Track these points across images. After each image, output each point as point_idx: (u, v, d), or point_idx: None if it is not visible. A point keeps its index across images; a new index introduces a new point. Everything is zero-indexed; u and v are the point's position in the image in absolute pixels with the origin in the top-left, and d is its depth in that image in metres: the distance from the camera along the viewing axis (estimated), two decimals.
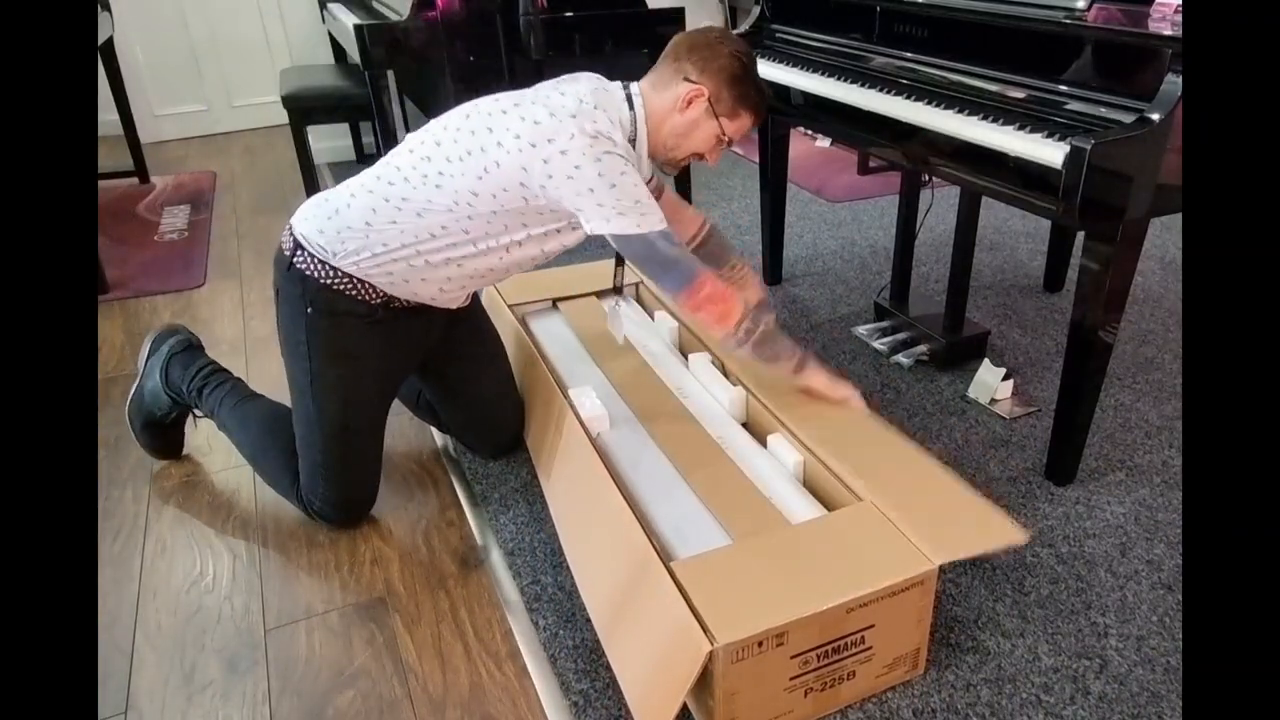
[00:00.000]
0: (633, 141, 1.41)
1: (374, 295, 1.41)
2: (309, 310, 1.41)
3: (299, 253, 1.41)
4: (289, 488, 1.57)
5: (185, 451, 1.80)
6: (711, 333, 1.44)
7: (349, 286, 1.40)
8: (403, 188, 1.37)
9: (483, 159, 1.33)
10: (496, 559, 1.50)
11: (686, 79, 1.41)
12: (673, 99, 1.41)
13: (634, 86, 1.44)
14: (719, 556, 1.20)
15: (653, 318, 1.94)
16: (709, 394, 1.67)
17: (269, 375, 2.07)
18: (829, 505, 1.39)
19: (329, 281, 1.40)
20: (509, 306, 1.95)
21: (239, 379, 1.70)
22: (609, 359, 1.80)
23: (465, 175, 1.34)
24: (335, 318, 1.42)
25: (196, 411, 1.71)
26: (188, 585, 1.47)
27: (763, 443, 1.53)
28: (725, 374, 1.70)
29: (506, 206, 1.35)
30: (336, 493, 1.52)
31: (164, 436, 1.75)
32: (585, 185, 1.29)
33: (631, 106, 1.41)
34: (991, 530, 1.22)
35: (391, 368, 1.52)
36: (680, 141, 1.45)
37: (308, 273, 1.40)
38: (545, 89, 1.40)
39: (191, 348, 1.73)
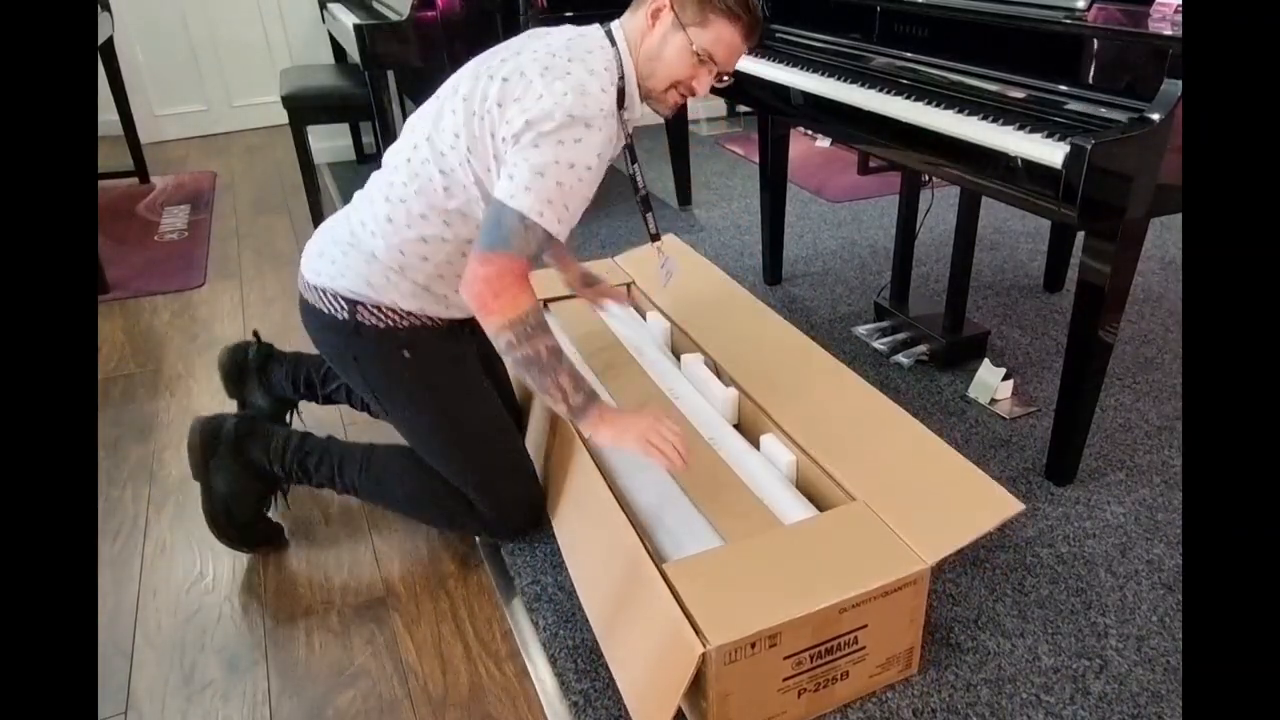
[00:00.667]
0: (621, 82, 1.31)
1: (445, 319, 1.42)
2: (406, 355, 1.39)
3: (360, 310, 1.37)
4: (465, 520, 1.48)
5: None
6: (480, 320, 1.27)
7: (424, 320, 1.40)
8: (416, 206, 1.32)
9: (466, 136, 1.28)
10: (497, 559, 1.50)
11: None
12: (643, 19, 1.30)
13: (614, 25, 1.34)
14: (711, 558, 1.20)
15: (645, 318, 1.94)
16: (701, 395, 1.67)
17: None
18: (822, 505, 1.39)
19: (408, 322, 1.38)
20: None
21: (326, 435, 1.56)
22: (602, 360, 1.79)
23: (460, 166, 1.29)
24: (430, 346, 1.41)
25: (286, 486, 1.56)
26: (188, 585, 1.47)
27: (755, 443, 1.53)
28: (718, 374, 1.70)
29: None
30: (514, 493, 1.47)
31: (264, 525, 1.55)
32: (519, 136, 1.22)
33: (613, 43, 1.31)
34: (989, 506, 1.23)
35: (476, 364, 1.50)
36: (654, 67, 1.31)
37: (384, 326, 1.38)
38: (517, 46, 1.32)
39: (250, 420, 1.53)
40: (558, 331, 1.93)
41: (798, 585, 1.13)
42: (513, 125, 1.22)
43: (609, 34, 1.32)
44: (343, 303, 1.37)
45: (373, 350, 1.40)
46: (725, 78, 1.36)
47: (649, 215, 1.63)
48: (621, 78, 1.31)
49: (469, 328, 1.48)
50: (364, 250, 1.36)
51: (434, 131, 1.32)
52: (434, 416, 1.43)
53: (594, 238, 2.89)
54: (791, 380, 1.59)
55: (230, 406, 1.76)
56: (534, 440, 1.66)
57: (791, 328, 1.74)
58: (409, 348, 1.40)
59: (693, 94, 1.35)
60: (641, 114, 1.40)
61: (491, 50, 1.36)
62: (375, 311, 1.37)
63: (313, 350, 1.55)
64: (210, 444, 1.48)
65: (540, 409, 1.66)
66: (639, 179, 1.56)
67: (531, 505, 1.49)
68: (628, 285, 2.08)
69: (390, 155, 1.39)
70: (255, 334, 1.73)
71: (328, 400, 1.73)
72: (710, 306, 1.88)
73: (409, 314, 1.39)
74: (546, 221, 1.22)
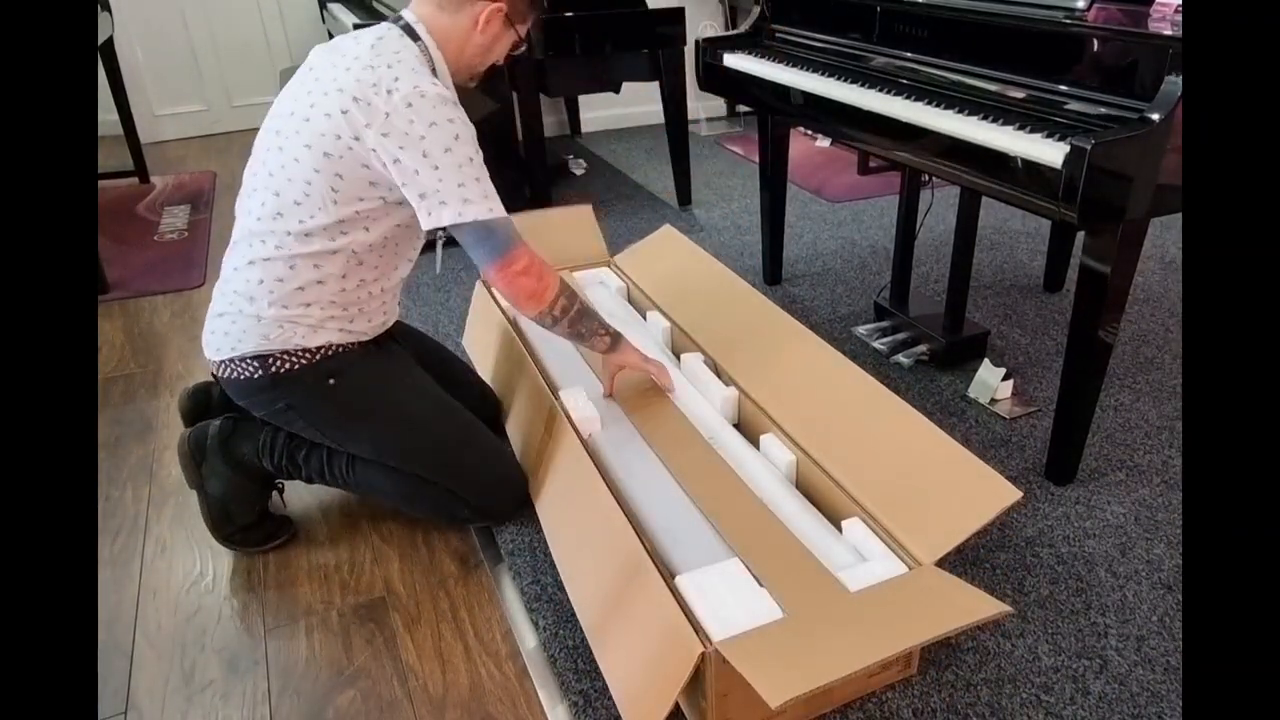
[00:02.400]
0: (434, 74, 1.34)
1: (356, 343, 1.44)
2: (332, 382, 1.40)
3: (270, 362, 1.38)
4: (454, 507, 1.50)
5: None
6: (523, 310, 1.40)
7: (335, 350, 1.41)
8: (285, 255, 1.34)
9: (320, 183, 1.30)
10: (496, 559, 1.50)
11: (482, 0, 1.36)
12: (470, 20, 1.35)
13: (407, 15, 1.37)
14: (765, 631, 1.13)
15: (645, 317, 1.94)
16: (701, 394, 1.67)
17: None
18: (821, 505, 1.40)
19: (320, 356, 1.40)
20: (500, 308, 1.95)
21: None
22: (599, 359, 1.79)
23: (322, 209, 1.31)
24: (352, 367, 1.42)
25: (281, 482, 1.58)
26: (188, 585, 1.47)
27: (755, 443, 1.53)
28: (718, 374, 1.70)
29: (361, 193, 1.32)
30: (489, 476, 1.50)
31: (267, 522, 1.55)
32: (416, 165, 1.26)
33: (415, 38, 1.34)
34: (987, 497, 1.23)
35: (406, 365, 1.53)
36: (484, 58, 1.42)
37: (298, 367, 1.39)
38: (319, 70, 1.34)
39: (233, 420, 1.53)
40: None
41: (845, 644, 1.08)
42: (388, 150, 1.26)
43: (406, 29, 1.35)
44: (252, 363, 1.38)
45: (300, 391, 1.41)
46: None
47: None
48: (433, 69, 1.35)
49: (383, 339, 1.51)
50: (247, 315, 1.37)
51: (280, 189, 1.33)
52: (383, 430, 1.44)
53: None
54: (791, 379, 1.59)
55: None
56: (526, 439, 1.66)
57: (788, 317, 1.74)
58: (332, 375, 1.41)
59: (498, 67, 1.49)
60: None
61: (283, 96, 1.38)
62: (284, 358, 1.38)
63: None
64: (199, 450, 1.49)
65: (531, 409, 1.65)
66: None
67: (510, 483, 1.53)
68: (627, 287, 2.08)
69: (240, 224, 1.40)
70: (214, 374, 1.70)
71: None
72: (709, 301, 1.88)
73: (318, 349, 1.40)
74: (498, 210, 1.31)
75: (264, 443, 1.49)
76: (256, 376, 1.39)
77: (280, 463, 1.49)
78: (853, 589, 1.19)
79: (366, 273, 1.40)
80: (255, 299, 1.36)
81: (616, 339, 1.54)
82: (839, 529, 1.33)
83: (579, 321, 1.45)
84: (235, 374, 1.40)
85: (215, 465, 1.48)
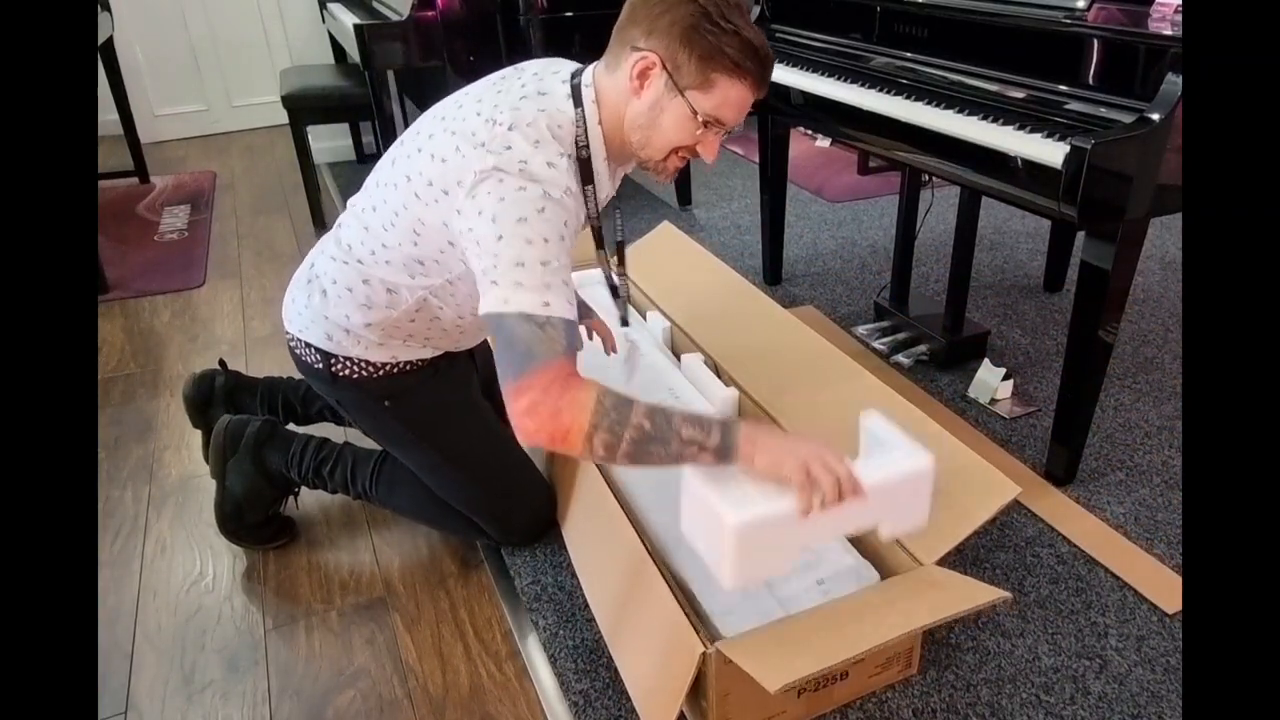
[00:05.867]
0: (584, 151, 1.12)
1: (422, 360, 1.38)
2: (387, 404, 1.37)
3: (335, 363, 1.34)
4: (475, 532, 1.48)
5: (189, 456, 1.80)
6: (568, 452, 1.05)
7: (399, 367, 1.36)
8: (363, 271, 1.26)
9: (407, 218, 1.17)
10: (496, 559, 1.50)
11: (634, 47, 1.08)
12: (625, 79, 1.10)
13: (586, 74, 1.14)
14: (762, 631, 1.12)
15: (645, 317, 1.94)
16: (701, 394, 1.67)
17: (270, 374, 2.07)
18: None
19: (383, 374, 1.35)
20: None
21: (342, 442, 1.54)
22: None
23: (402, 244, 1.20)
24: (410, 394, 1.38)
25: (297, 489, 1.57)
26: (188, 585, 1.47)
27: None
28: (718, 374, 1.70)
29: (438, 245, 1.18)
30: (521, 514, 1.46)
31: (274, 523, 1.55)
32: (481, 236, 1.05)
33: (578, 103, 1.11)
34: (986, 494, 1.22)
35: (466, 391, 1.47)
36: (649, 136, 1.12)
37: (357, 376, 1.35)
38: (477, 94, 1.15)
39: (273, 425, 1.52)
40: None
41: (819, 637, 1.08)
42: (465, 218, 1.08)
43: (575, 90, 1.12)
44: (317, 353, 1.35)
45: (354, 399, 1.39)
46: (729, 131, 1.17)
47: (619, 301, 1.52)
48: (585, 147, 1.12)
49: (455, 355, 1.44)
50: (317, 306, 1.32)
51: (378, 205, 1.23)
52: (427, 460, 1.42)
53: None
54: (791, 378, 1.59)
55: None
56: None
57: (788, 314, 1.74)
58: (389, 398, 1.37)
59: (697, 156, 1.16)
60: (613, 190, 1.26)
61: (441, 102, 1.21)
62: (347, 364, 1.34)
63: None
64: (233, 444, 1.49)
65: None
66: (611, 272, 1.41)
67: (539, 520, 1.49)
68: (626, 287, 2.08)
69: (349, 209, 1.32)
70: (221, 362, 1.70)
71: (309, 420, 1.69)
72: (709, 300, 1.88)
73: (382, 365, 1.34)
74: (556, 309, 1.03)
75: (295, 452, 1.49)
76: (318, 367, 1.36)
77: (306, 474, 1.50)
78: (869, 481, 1.05)
79: (443, 312, 1.29)
80: (326, 293, 1.31)
81: (723, 440, 1.03)
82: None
83: (645, 451, 1.02)
84: (300, 353, 1.38)
85: (243, 464, 1.48)
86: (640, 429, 1.01)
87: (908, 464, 1.09)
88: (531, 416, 1.02)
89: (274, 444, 1.50)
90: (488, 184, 1.05)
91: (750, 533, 0.99)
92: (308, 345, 1.35)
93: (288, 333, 1.40)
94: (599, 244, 1.28)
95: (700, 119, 1.09)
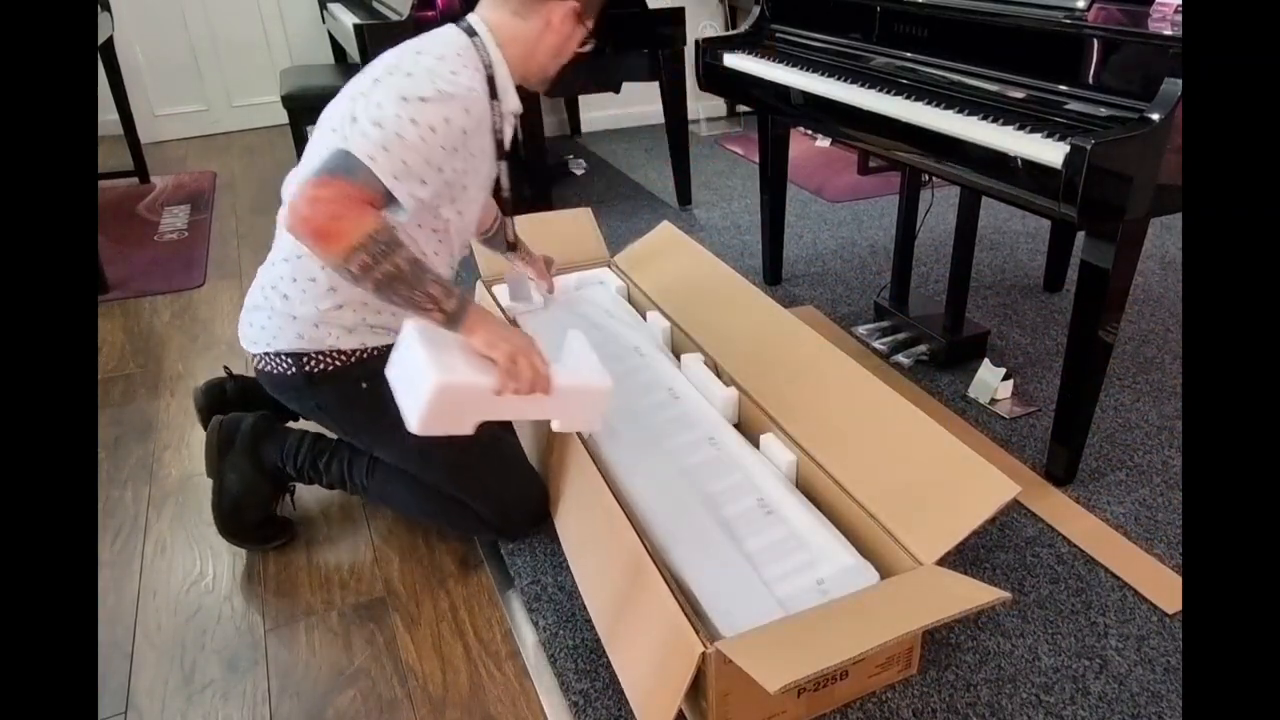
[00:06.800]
0: (490, 70, 1.34)
1: (390, 344, 1.37)
2: (364, 386, 1.38)
3: (308, 362, 1.37)
4: (470, 522, 1.49)
5: (189, 456, 1.80)
6: (314, 251, 1.18)
7: (369, 353, 1.38)
8: (310, 257, 1.32)
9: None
10: (496, 559, 1.50)
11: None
12: (542, 22, 1.36)
13: (470, 16, 1.37)
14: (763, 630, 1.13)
15: (645, 318, 1.94)
16: (701, 394, 1.67)
17: None
18: (822, 505, 1.40)
19: (355, 360, 1.38)
20: (500, 308, 1.95)
21: (336, 437, 1.54)
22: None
23: None
24: (384, 374, 1.36)
25: (293, 485, 1.59)
26: (188, 585, 1.47)
27: (755, 443, 1.53)
28: (718, 374, 1.70)
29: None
30: (513, 497, 1.47)
31: (273, 523, 1.55)
32: (378, 101, 1.22)
33: (473, 34, 1.34)
34: (985, 493, 1.23)
35: None
36: (556, 59, 1.41)
37: (331, 369, 1.38)
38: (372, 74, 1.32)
39: (268, 419, 1.54)
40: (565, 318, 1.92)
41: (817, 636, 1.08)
42: (369, 98, 1.24)
43: (468, 29, 1.35)
44: (287, 360, 1.38)
45: (332, 394, 1.40)
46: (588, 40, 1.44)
47: (509, 221, 1.63)
48: (488, 66, 1.33)
49: None
50: (281, 313, 1.36)
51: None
52: (408, 438, 1.41)
53: None
54: (791, 378, 1.59)
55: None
56: (531, 440, 1.66)
57: (788, 314, 1.74)
58: (365, 380, 1.38)
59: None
60: (518, 106, 1.43)
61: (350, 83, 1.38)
62: (319, 359, 1.37)
63: None
64: (228, 441, 1.50)
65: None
66: (503, 179, 1.53)
67: (533, 505, 1.49)
68: (627, 287, 2.08)
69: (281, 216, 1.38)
70: (227, 369, 1.70)
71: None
72: (709, 300, 1.88)
73: (352, 351, 1.38)
74: (379, 168, 1.18)
75: (290, 446, 1.50)
76: (291, 373, 1.38)
77: (302, 467, 1.50)
78: (558, 383, 1.27)
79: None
80: (289, 297, 1.35)
81: (458, 309, 1.23)
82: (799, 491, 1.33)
83: (391, 287, 1.18)
84: (270, 368, 1.40)
85: (239, 461, 1.49)
86: (397, 268, 1.17)
87: (592, 380, 1.34)
88: (312, 205, 1.14)
89: (270, 439, 1.50)
90: (395, 76, 1.24)
91: (448, 394, 1.18)
92: (278, 355, 1.38)
93: (253, 355, 1.42)
94: (500, 155, 1.45)
95: (590, 33, 1.41)
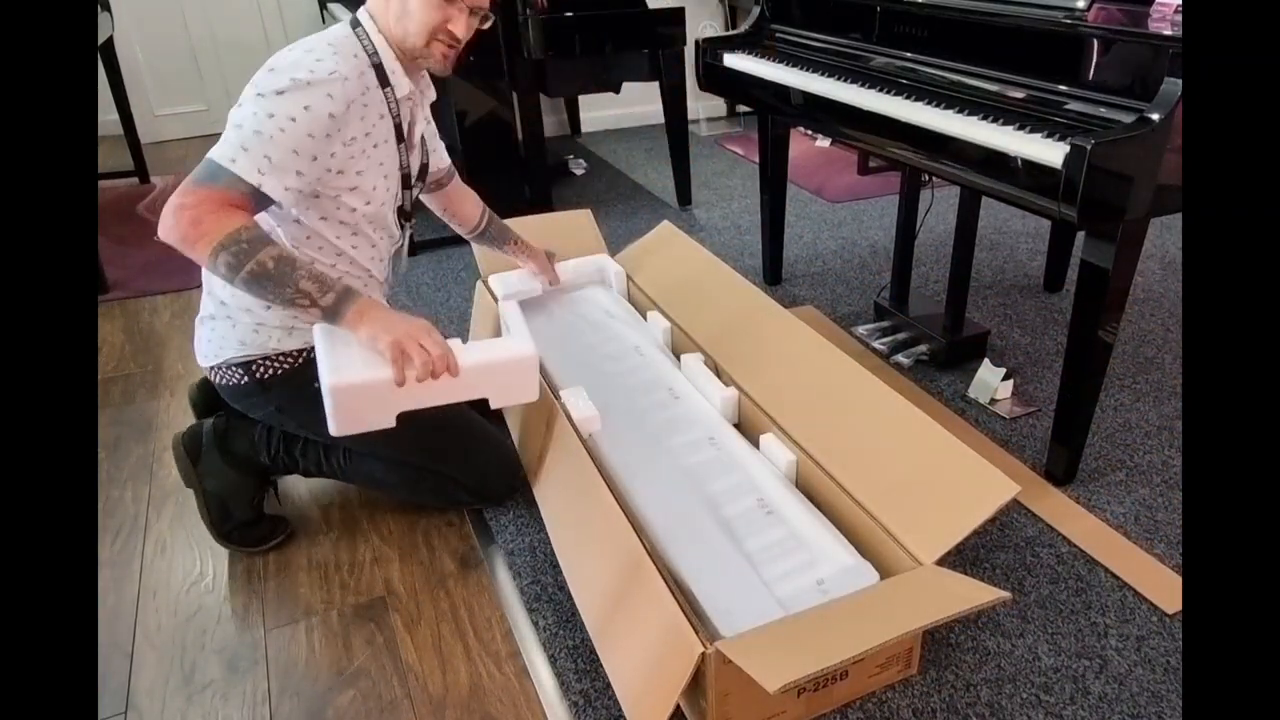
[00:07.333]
0: (375, 58, 1.33)
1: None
2: (315, 386, 1.36)
3: (257, 368, 1.39)
4: (451, 491, 1.52)
5: None
6: (191, 258, 1.21)
7: (311, 352, 1.38)
8: None
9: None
10: (496, 559, 1.50)
11: None
12: (399, 3, 1.32)
13: (360, 12, 1.37)
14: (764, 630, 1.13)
15: (645, 318, 1.94)
16: (701, 394, 1.67)
17: None
18: (821, 505, 1.40)
19: (303, 360, 1.40)
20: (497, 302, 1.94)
21: None
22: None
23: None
24: None
25: (275, 478, 1.60)
26: (188, 585, 1.47)
27: (755, 443, 1.53)
28: (718, 374, 1.70)
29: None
30: (483, 461, 1.52)
31: (265, 520, 1.55)
32: (239, 115, 1.22)
33: (356, 25, 1.34)
34: (985, 493, 1.23)
35: None
36: (406, 26, 1.32)
37: (282, 371, 1.40)
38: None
39: (226, 417, 1.53)
40: (555, 330, 1.92)
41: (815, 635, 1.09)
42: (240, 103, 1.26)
43: (353, 21, 1.35)
44: (236, 369, 1.40)
45: (288, 397, 1.42)
46: (486, 17, 1.38)
47: (406, 192, 1.54)
48: (374, 53, 1.33)
49: None
50: (221, 320, 1.39)
51: None
52: (375, 433, 1.43)
53: None
54: (791, 378, 1.59)
55: None
56: (526, 438, 1.66)
57: (787, 313, 1.74)
58: (315, 379, 1.36)
59: (456, 40, 1.35)
60: (411, 90, 1.39)
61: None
62: (266, 364, 1.40)
63: None
64: (194, 449, 1.50)
65: (531, 408, 1.65)
66: (403, 159, 1.47)
67: (503, 462, 1.54)
68: (627, 288, 2.08)
69: None
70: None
71: None
72: (709, 299, 1.88)
73: (298, 352, 1.41)
74: (240, 168, 1.19)
75: (259, 437, 1.50)
76: (244, 382, 1.40)
77: (277, 456, 1.51)
78: (471, 361, 1.27)
79: (321, 249, 1.38)
80: (225, 303, 1.38)
81: (337, 302, 1.23)
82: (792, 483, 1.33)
83: (260, 284, 1.20)
84: (224, 380, 1.42)
85: (212, 463, 1.49)
86: (263, 265, 1.19)
87: (513, 350, 1.32)
88: (176, 214, 1.18)
89: (235, 431, 1.51)
90: (261, 73, 1.25)
91: (345, 394, 1.19)
92: (229, 366, 1.40)
93: (208, 369, 1.44)
94: (399, 139, 1.42)
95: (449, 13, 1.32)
